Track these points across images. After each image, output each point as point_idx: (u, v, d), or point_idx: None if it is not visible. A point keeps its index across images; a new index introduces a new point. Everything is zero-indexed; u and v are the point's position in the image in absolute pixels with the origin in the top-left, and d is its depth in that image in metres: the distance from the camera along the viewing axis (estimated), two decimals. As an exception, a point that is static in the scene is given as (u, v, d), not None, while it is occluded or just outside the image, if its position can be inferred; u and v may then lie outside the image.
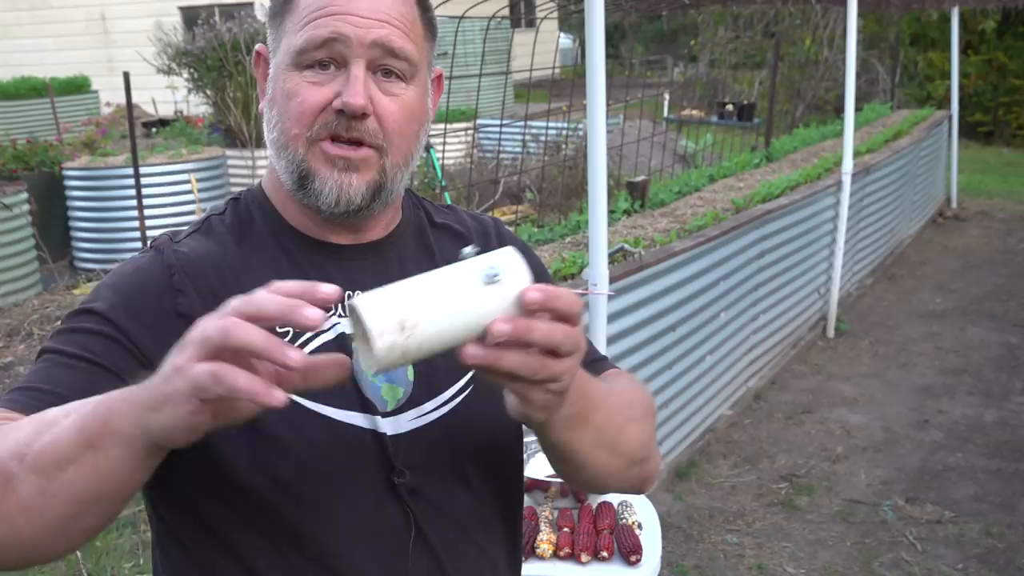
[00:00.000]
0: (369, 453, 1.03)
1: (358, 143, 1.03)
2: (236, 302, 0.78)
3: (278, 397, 0.75)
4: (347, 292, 1.03)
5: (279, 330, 0.96)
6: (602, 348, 3.13)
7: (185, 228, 1.10)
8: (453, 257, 1.08)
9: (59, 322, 1.06)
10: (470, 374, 1.11)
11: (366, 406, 1.04)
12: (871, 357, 5.60)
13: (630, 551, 1.95)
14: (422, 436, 1.06)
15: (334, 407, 1.01)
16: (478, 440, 1.11)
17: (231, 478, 0.99)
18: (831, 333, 5.89)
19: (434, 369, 1.07)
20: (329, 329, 1.04)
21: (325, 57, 1.02)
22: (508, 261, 0.83)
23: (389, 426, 1.05)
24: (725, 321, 4.49)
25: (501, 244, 1.20)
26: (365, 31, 1.01)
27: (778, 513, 3.85)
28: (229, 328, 0.76)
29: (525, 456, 2.33)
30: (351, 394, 1.03)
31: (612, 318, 3.28)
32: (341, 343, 1.00)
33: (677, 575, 3.42)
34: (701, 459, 4.30)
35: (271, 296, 0.78)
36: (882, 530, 3.71)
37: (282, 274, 0.96)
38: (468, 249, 0.87)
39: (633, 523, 2.07)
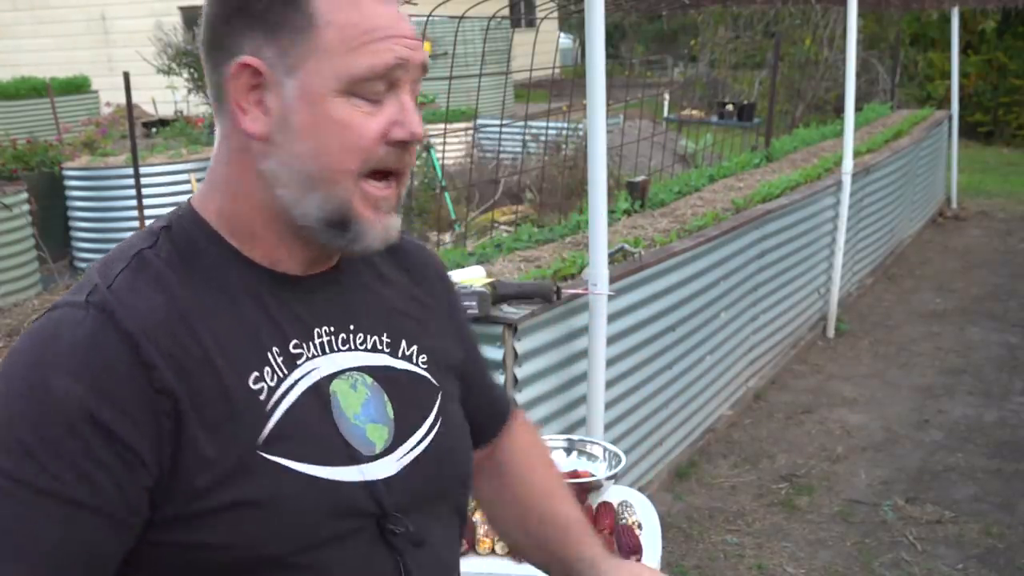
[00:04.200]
0: (360, 507, 0.97)
1: (386, 174, 0.97)
2: None
3: None
4: (315, 329, 0.99)
5: (253, 387, 0.92)
6: (602, 348, 3.13)
7: (110, 264, 0.94)
8: (398, 278, 1.11)
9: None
10: (437, 405, 1.08)
11: (353, 455, 0.98)
12: (871, 357, 5.60)
13: (630, 551, 1.95)
14: (409, 476, 1.02)
15: (321, 464, 0.94)
16: (451, 474, 1.10)
17: (214, 557, 0.91)
18: (831, 333, 5.89)
19: (407, 402, 1.05)
20: (309, 373, 0.97)
21: (383, 84, 0.94)
22: None
23: (378, 470, 0.99)
24: (725, 321, 4.49)
25: (432, 269, 1.19)
26: (416, 53, 0.96)
27: (778, 513, 3.85)
28: None
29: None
30: (337, 444, 0.97)
31: (612, 318, 3.28)
32: (320, 389, 0.97)
33: (677, 575, 3.42)
34: (701, 459, 4.30)
35: None
36: (882, 530, 3.71)
37: (244, 316, 0.94)
38: None
39: (633, 523, 2.07)
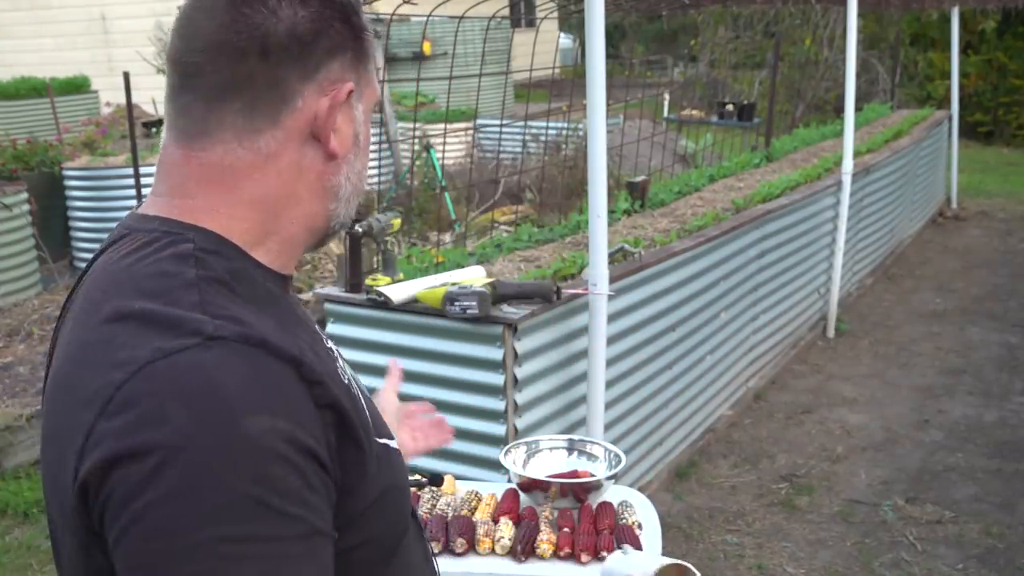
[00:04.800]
0: (407, 477, 1.10)
1: None
2: None
3: None
4: (313, 324, 1.03)
5: (344, 381, 0.94)
6: (602, 348, 3.13)
7: (176, 297, 0.86)
8: None
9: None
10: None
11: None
12: (871, 357, 5.60)
13: (630, 551, 1.95)
14: None
15: (391, 438, 1.03)
16: None
17: (368, 553, 0.96)
18: (831, 333, 5.89)
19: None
20: (336, 349, 1.03)
21: None
22: None
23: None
24: (725, 321, 4.49)
25: None
26: None
27: (778, 513, 3.85)
28: None
29: (524, 456, 2.33)
30: (381, 418, 1.06)
31: (612, 318, 3.29)
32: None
33: (677, 575, 3.42)
34: (701, 459, 4.30)
35: None
36: (882, 530, 3.71)
37: (299, 319, 0.97)
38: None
39: (633, 523, 2.07)
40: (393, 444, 1.01)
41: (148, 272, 0.89)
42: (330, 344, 1.02)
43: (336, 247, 6.46)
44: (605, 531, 2.02)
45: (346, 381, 0.94)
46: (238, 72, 0.92)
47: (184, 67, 0.95)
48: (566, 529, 2.04)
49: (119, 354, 0.82)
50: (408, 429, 1.46)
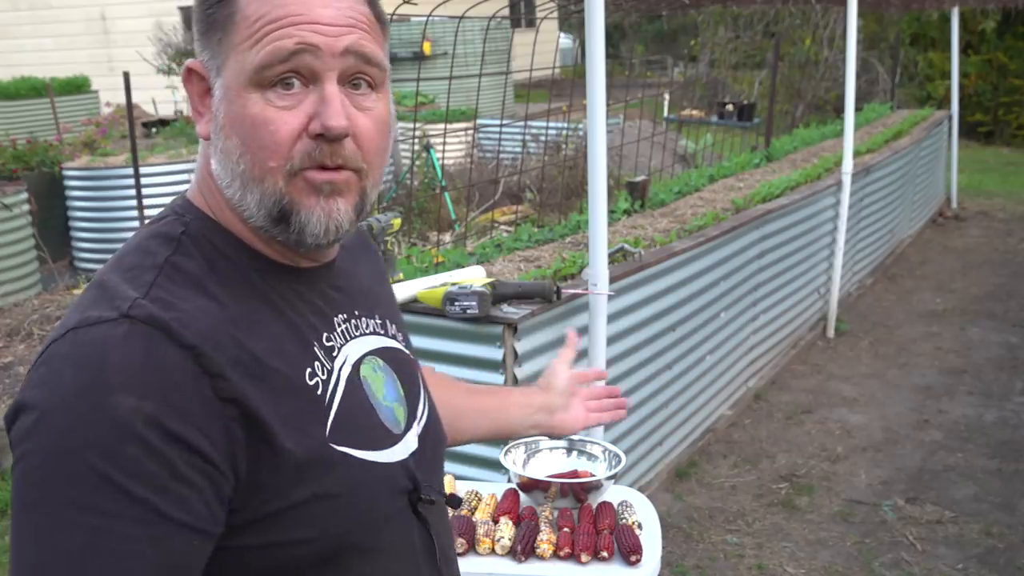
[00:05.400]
0: (403, 484, 1.03)
1: (339, 167, 0.94)
2: None
3: None
4: (334, 318, 1.03)
5: (309, 382, 0.94)
6: (602, 348, 3.13)
7: (135, 273, 0.90)
8: (356, 256, 1.13)
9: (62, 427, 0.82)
10: (419, 375, 1.15)
11: (391, 437, 1.03)
12: (871, 357, 5.60)
13: (630, 551, 1.95)
14: (423, 448, 1.08)
15: (374, 449, 0.99)
16: (442, 435, 1.18)
17: (293, 553, 0.93)
18: (831, 333, 5.89)
19: (407, 379, 1.11)
20: (344, 363, 1.01)
21: (290, 72, 0.90)
22: None
23: (406, 448, 1.05)
24: (725, 321, 4.49)
25: (364, 237, 1.23)
26: (335, 39, 0.91)
27: (778, 513, 3.85)
28: None
29: (524, 456, 2.33)
30: (379, 428, 1.02)
31: (612, 318, 3.28)
32: (353, 376, 1.01)
33: (677, 575, 3.42)
34: (701, 459, 4.30)
35: None
36: (882, 530, 3.71)
37: (282, 313, 0.96)
38: None
39: (633, 523, 2.07)
40: (363, 455, 0.97)
41: (141, 247, 0.94)
42: (339, 341, 1.01)
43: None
44: (605, 531, 2.02)
45: (313, 382, 0.94)
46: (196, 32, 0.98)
47: None
48: (566, 529, 2.04)
49: (69, 315, 0.89)
50: (582, 400, 1.54)
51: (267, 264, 0.97)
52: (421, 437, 1.08)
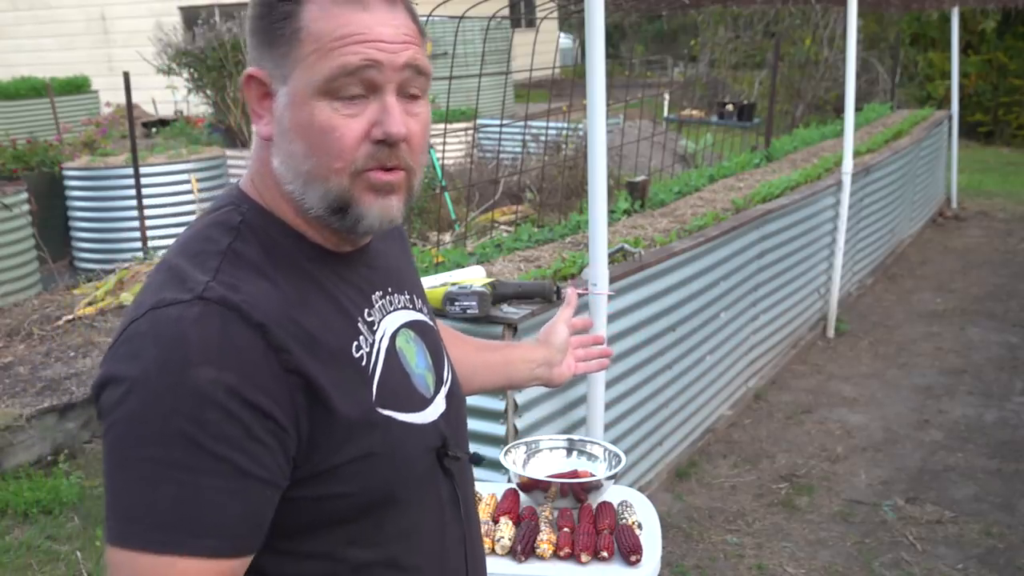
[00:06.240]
0: (433, 443, 1.15)
1: (395, 167, 1.06)
2: None
3: None
4: (371, 295, 1.15)
5: (355, 355, 1.07)
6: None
7: (201, 259, 1.02)
8: (386, 236, 1.24)
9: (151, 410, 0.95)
10: (442, 345, 1.27)
11: (424, 401, 1.16)
12: (871, 357, 5.61)
13: (630, 551, 1.95)
14: (449, 410, 1.20)
15: (411, 412, 1.12)
16: (463, 398, 1.30)
17: (341, 504, 1.05)
18: (831, 333, 5.89)
19: (433, 348, 1.23)
20: (383, 336, 1.13)
21: (357, 85, 1.02)
22: None
23: (436, 410, 1.17)
24: (725, 321, 4.49)
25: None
26: (395, 55, 1.03)
27: (778, 513, 3.85)
28: None
29: (524, 456, 2.33)
30: (414, 393, 1.14)
31: (612, 318, 3.28)
32: (391, 348, 1.13)
33: (677, 575, 3.42)
34: (701, 459, 4.30)
35: None
36: (882, 530, 3.71)
37: (329, 293, 1.09)
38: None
39: (633, 523, 2.07)
40: (404, 417, 1.10)
41: (202, 235, 1.06)
42: (377, 316, 1.14)
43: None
44: (605, 531, 2.02)
45: (359, 354, 1.08)
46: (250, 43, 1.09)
47: None
48: (566, 529, 2.04)
49: (145, 296, 1.02)
50: (572, 351, 1.70)
51: (314, 250, 1.09)
52: (447, 399, 1.20)
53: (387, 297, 1.17)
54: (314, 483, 1.02)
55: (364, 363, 1.08)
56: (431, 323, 1.26)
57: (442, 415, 1.17)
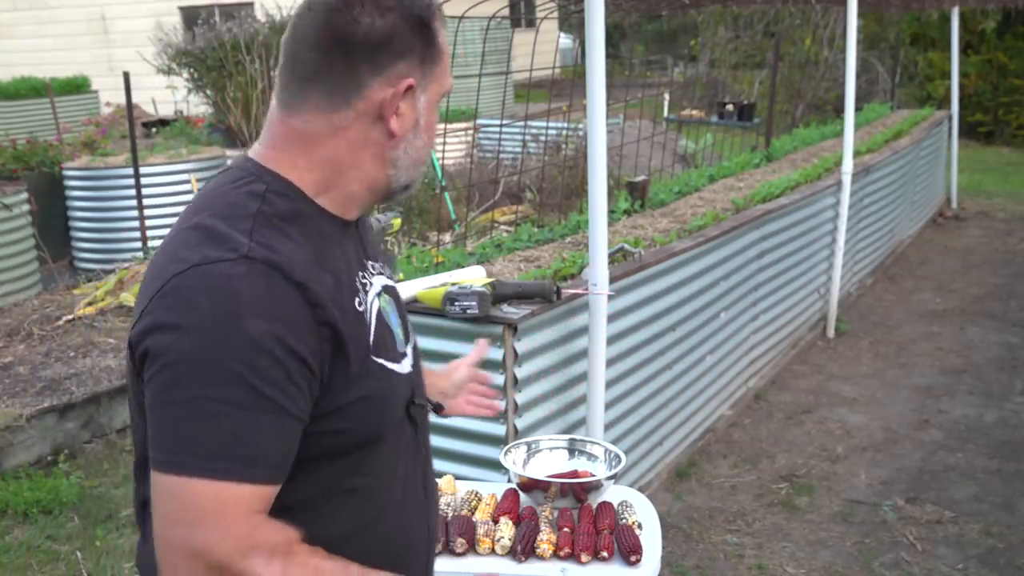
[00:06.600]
0: (406, 392, 1.34)
1: None
2: None
3: None
4: (365, 261, 1.34)
5: (358, 308, 1.24)
6: (602, 348, 3.13)
7: (235, 222, 1.16)
8: (369, 225, 1.45)
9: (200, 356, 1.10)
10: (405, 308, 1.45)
11: (402, 354, 1.34)
12: (871, 357, 5.61)
13: (630, 551, 1.95)
14: (415, 366, 1.39)
15: (395, 362, 1.31)
16: (420, 360, 1.46)
17: (341, 439, 1.24)
18: (831, 333, 5.89)
19: (402, 311, 1.40)
20: (373, 295, 1.30)
21: None
22: None
23: (407, 364, 1.35)
24: (725, 321, 4.49)
25: None
26: None
27: (778, 513, 3.85)
28: None
29: (524, 456, 2.33)
30: (395, 346, 1.32)
31: (612, 318, 3.28)
32: (377, 306, 1.30)
33: (677, 575, 3.42)
34: (701, 459, 4.30)
35: None
36: (882, 530, 3.71)
37: (340, 255, 1.26)
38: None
39: (633, 523, 2.07)
40: (391, 366, 1.29)
41: (227, 200, 1.21)
42: (368, 279, 1.31)
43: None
44: (605, 531, 2.02)
45: (361, 309, 1.25)
46: (323, 63, 1.21)
47: (289, 53, 1.25)
48: (566, 529, 2.04)
49: (182, 252, 1.15)
50: (465, 395, 1.84)
51: (327, 216, 1.26)
52: (413, 354, 1.39)
53: (371, 262, 1.35)
54: (323, 420, 1.19)
55: (365, 317, 1.25)
56: (396, 288, 1.44)
57: (412, 367, 1.36)
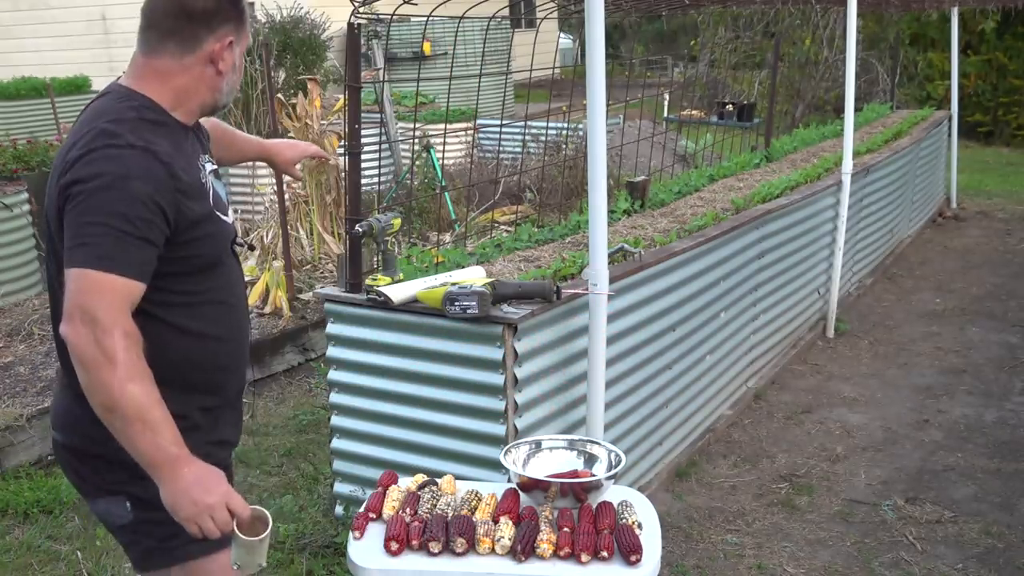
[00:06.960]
0: (232, 235, 2.06)
1: None
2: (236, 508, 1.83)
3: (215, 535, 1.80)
4: (202, 154, 2.04)
5: (202, 181, 1.95)
6: (602, 348, 3.13)
7: (120, 123, 1.82)
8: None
9: (97, 195, 1.75)
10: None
11: (227, 211, 2.04)
12: (871, 357, 5.61)
13: (630, 551, 1.95)
14: (232, 220, 2.08)
15: (224, 215, 2.01)
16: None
17: (190, 259, 1.92)
18: (831, 333, 5.89)
19: (223, 186, 2.09)
20: (210, 173, 2.01)
21: None
22: None
23: (230, 218, 2.06)
24: (725, 321, 4.49)
25: None
26: None
27: (778, 513, 3.85)
28: (223, 524, 1.80)
29: (524, 456, 2.33)
30: (224, 206, 2.03)
31: (612, 318, 3.29)
32: (211, 180, 2.00)
33: (677, 575, 3.42)
34: (701, 459, 4.30)
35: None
36: (882, 530, 3.71)
37: (189, 147, 1.95)
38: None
39: (633, 523, 2.07)
40: (223, 217, 2.00)
41: (114, 109, 1.87)
42: (204, 164, 1.99)
43: (336, 247, 6.46)
44: (605, 531, 2.02)
45: (204, 181, 1.95)
46: (175, 25, 1.90)
47: (149, 18, 1.92)
48: (566, 529, 2.04)
49: (94, 142, 1.79)
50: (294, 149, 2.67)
51: (179, 123, 1.94)
52: (231, 214, 2.09)
53: (206, 155, 2.04)
54: (180, 247, 1.86)
55: (206, 187, 1.95)
56: (217, 169, 2.10)
57: (232, 221, 2.06)
